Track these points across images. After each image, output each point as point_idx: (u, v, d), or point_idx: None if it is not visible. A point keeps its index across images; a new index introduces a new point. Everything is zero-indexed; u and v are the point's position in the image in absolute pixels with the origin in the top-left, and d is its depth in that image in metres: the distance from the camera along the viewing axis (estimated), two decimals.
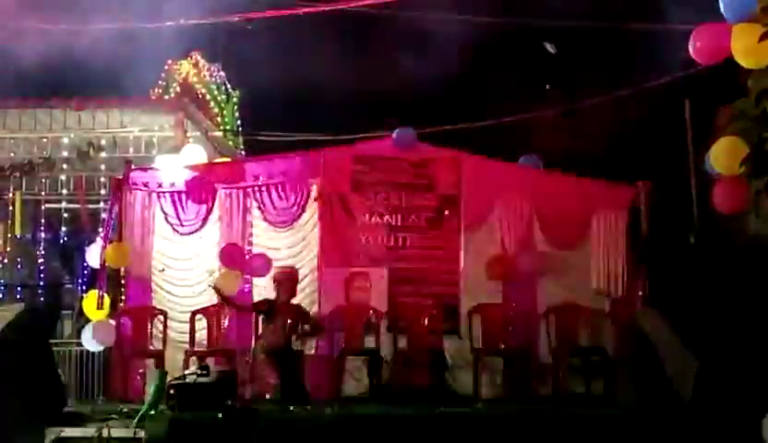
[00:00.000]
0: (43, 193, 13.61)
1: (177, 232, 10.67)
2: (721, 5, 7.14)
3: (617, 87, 13.03)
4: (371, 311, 10.34)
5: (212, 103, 15.97)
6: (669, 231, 10.34)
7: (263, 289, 10.46)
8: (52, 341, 7.75)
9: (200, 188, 10.50)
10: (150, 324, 10.29)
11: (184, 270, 10.72)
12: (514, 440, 6.09)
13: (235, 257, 10.35)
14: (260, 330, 9.81)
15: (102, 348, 10.61)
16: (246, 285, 10.53)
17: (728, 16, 7.13)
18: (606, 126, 16.87)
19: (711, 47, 7.30)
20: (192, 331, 10.20)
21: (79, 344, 11.15)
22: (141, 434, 6.17)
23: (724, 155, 7.61)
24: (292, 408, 6.98)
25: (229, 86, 17.17)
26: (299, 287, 10.57)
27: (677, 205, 11.52)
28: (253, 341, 10.21)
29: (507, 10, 11.85)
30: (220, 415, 6.32)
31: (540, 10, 12.33)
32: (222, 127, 15.61)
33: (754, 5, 7.01)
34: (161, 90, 15.61)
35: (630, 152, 16.09)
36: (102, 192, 12.72)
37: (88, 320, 10.48)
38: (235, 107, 17.03)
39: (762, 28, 6.81)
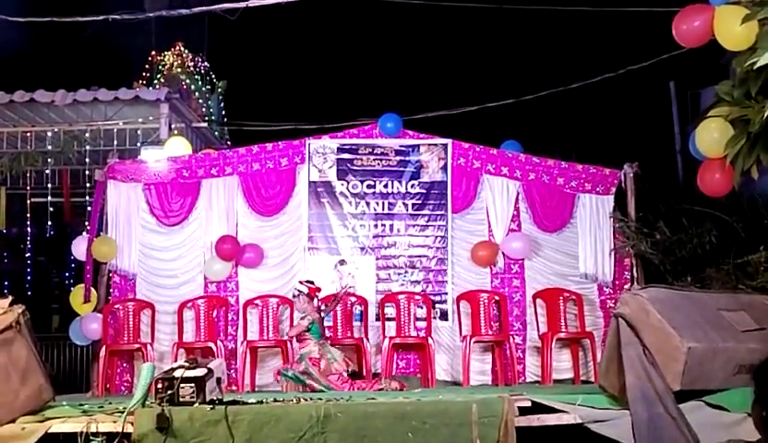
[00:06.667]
0: (28, 188, 13.55)
1: (163, 223, 10.63)
2: None
3: (601, 69, 12.98)
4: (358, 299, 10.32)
5: (197, 94, 15.94)
6: (656, 212, 10.32)
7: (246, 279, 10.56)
8: (39, 334, 7.71)
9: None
10: (136, 317, 10.25)
11: (170, 261, 10.68)
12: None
13: (231, 249, 10.38)
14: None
15: (88, 342, 10.59)
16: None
17: None
18: (591, 109, 16.88)
19: (694, 30, 7.29)
20: (180, 324, 10.18)
21: (66, 338, 11.13)
22: (129, 428, 6.10)
23: (707, 138, 7.62)
24: (280, 400, 6.93)
25: (213, 76, 17.16)
26: (287, 275, 10.61)
27: (664, 187, 11.51)
28: (241, 334, 10.22)
29: None
30: (209, 408, 6.26)
31: None
32: (206, 118, 15.55)
33: None
34: (145, 82, 15.57)
35: (615, 135, 16.11)
36: (87, 185, 12.64)
37: (75, 314, 10.46)
38: (220, 97, 17.00)
39: (745, 10, 6.82)
